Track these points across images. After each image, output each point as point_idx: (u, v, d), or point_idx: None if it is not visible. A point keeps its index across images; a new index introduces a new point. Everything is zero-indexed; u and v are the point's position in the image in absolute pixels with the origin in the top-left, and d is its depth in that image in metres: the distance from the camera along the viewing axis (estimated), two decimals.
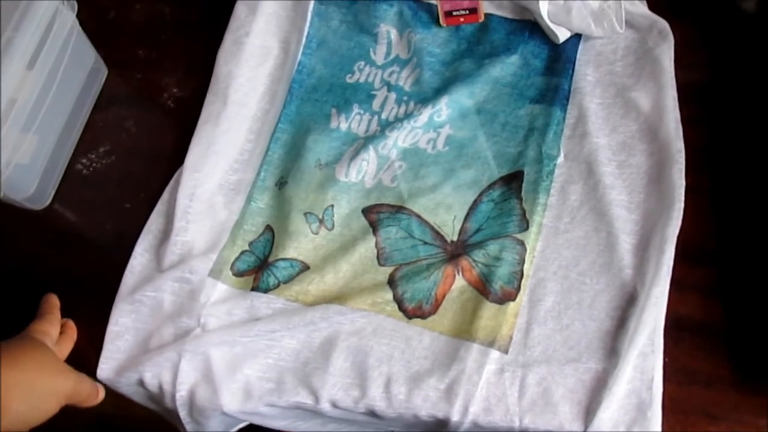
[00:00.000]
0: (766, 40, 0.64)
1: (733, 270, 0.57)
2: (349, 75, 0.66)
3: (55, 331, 0.55)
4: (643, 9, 0.64)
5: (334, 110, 0.64)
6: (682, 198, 0.57)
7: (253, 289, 0.58)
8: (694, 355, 0.55)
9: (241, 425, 0.60)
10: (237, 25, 0.66)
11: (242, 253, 0.60)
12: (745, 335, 0.55)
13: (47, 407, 0.48)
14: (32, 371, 0.48)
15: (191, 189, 0.60)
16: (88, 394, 0.52)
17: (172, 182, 0.62)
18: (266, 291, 0.57)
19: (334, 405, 0.54)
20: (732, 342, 0.55)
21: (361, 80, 0.66)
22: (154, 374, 0.55)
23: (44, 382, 0.48)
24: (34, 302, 0.60)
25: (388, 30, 0.67)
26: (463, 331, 0.55)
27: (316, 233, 0.60)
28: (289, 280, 0.58)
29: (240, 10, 0.67)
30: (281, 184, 0.62)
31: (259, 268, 0.59)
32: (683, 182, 0.57)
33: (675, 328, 0.55)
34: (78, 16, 0.62)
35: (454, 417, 0.53)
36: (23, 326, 0.54)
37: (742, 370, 0.54)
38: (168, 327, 0.56)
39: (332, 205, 0.60)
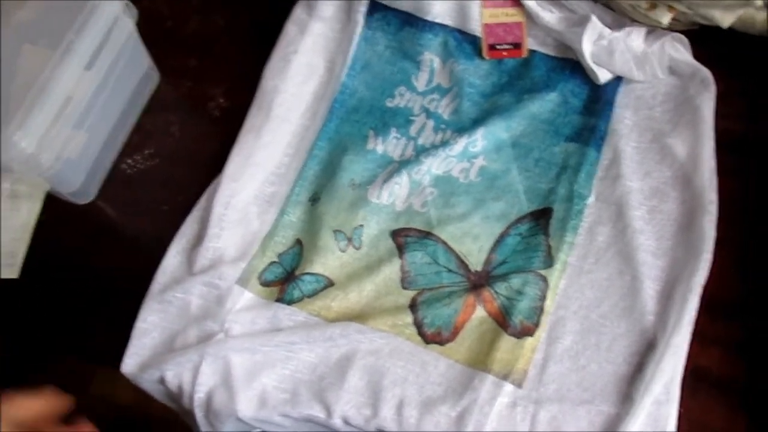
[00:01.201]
0: None
1: (758, 327, 0.56)
2: (390, 99, 0.67)
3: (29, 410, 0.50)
4: (687, 56, 0.63)
5: (371, 132, 0.65)
6: (711, 249, 0.56)
7: (277, 300, 0.59)
8: (710, 408, 0.54)
9: None
10: (286, 43, 0.68)
11: (271, 264, 0.61)
12: (764, 393, 0.54)
13: None
14: None
15: (227, 197, 0.62)
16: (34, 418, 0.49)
17: (210, 189, 0.63)
18: (290, 303, 0.58)
19: (346, 421, 0.54)
20: (750, 399, 0.54)
21: (401, 105, 0.66)
22: (176, 374, 0.56)
23: None
24: (66, 291, 0.62)
25: (431, 58, 0.68)
26: (479, 362, 0.55)
27: (344, 251, 0.60)
28: (313, 294, 0.59)
29: (290, 29, 0.68)
30: (314, 200, 0.63)
31: (285, 280, 0.60)
32: (713, 233, 0.56)
33: (693, 379, 0.54)
34: (137, 23, 0.64)
35: None
36: (53, 314, 0.56)
37: (758, 429, 0.53)
38: (193, 329, 0.57)
39: (362, 225, 0.61)
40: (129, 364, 0.57)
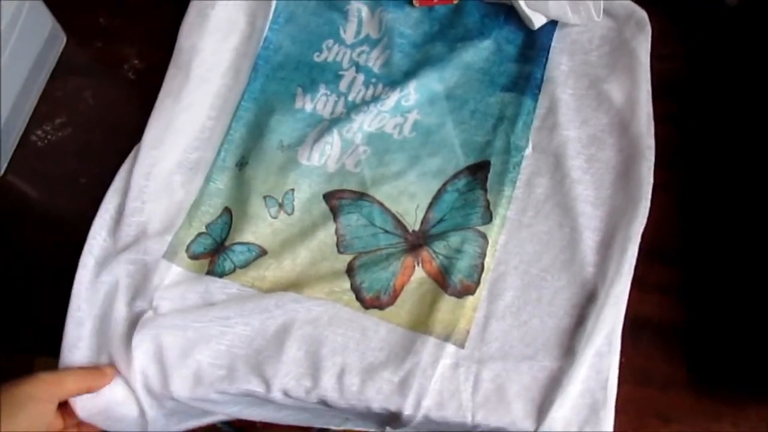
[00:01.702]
0: (747, 34, 0.61)
1: (697, 270, 0.56)
2: (317, 53, 0.63)
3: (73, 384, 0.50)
4: None
5: (299, 90, 0.61)
6: (649, 196, 0.55)
7: (208, 273, 0.55)
8: (652, 356, 0.54)
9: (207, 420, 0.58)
10: None
11: (198, 235, 0.57)
12: (705, 338, 0.54)
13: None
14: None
15: (148, 167, 0.57)
16: (80, 388, 0.50)
17: (129, 158, 0.59)
18: (221, 276, 0.55)
19: (286, 394, 0.52)
20: (691, 344, 0.54)
21: (329, 59, 0.62)
22: (112, 361, 0.52)
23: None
24: None
25: (359, 7, 0.63)
26: (420, 324, 0.53)
27: (275, 217, 0.57)
28: (245, 265, 0.56)
29: None
30: (242, 164, 0.59)
31: (215, 251, 0.56)
32: (651, 180, 0.55)
33: (634, 328, 0.54)
34: None
35: (407, 410, 0.51)
36: None
37: (699, 373, 0.53)
38: (121, 310, 0.53)
39: (293, 189, 0.58)
40: (67, 357, 0.53)
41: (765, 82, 0.59)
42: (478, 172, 0.58)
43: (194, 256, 0.56)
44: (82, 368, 0.52)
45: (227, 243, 0.56)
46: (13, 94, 0.61)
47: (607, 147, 0.58)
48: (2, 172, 0.61)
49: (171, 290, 0.54)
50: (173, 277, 0.55)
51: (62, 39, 0.65)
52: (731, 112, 0.60)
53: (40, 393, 0.47)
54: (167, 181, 0.58)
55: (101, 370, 0.52)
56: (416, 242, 0.56)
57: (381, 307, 0.54)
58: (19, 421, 0.45)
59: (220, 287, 0.55)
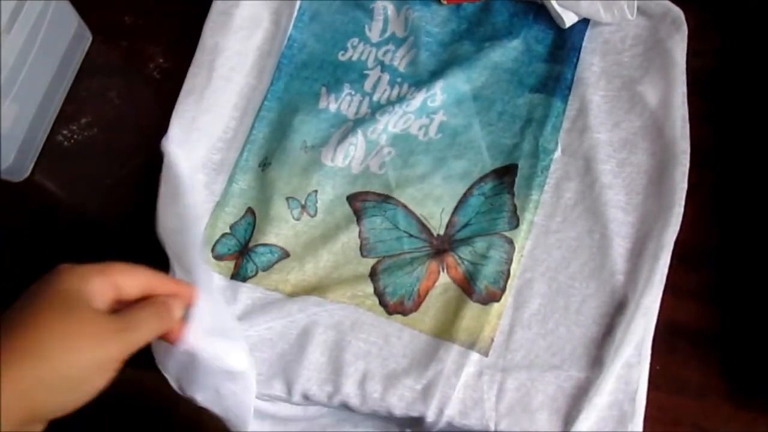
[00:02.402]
0: None
1: (733, 274, 0.53)
2: (342, 52, 0.61)
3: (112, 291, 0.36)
4: None
5: (323, 89, 0.60)
6: (682, 202, 0.52)
7: (232, 278, 0.55)
8: (688, 364, 0.52)
9: None
10: None
11: (223, 236, 0.56)
12: (742, 345, 0.52)
13: (90, 387, 0.34)
14: (51, 358, 0.32)
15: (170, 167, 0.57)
16: (151, 334, 0.37)
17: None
18: (245, 280, 0.54)
19: (307, 398, 0.51)
20: (727, 351, 0.52)
21: (354, 58, 0.61)
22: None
23: (72, 365, 0.33)
24: (9, 276, 0.57)
25: (384, 5, 0.62)
26: (444, 331, 0.52)
27: (298, 219, 0.56)
28: (268, 267, 0.55)
29: None
30: (264, 165, 0.58)
31: (240, 253, 0.55)
32: (685, 185, 0.53)
33: (669, 335, 0.52)
34: None
35: (429, 418, 0.50)
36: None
37: (736, 381, 0.51)
38: None
39: (316, 191, 0.56)
40: None
41: None
42: (505, 175, 0.56)
43: (219, 257, 0.56)
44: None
45: (251, 245, 0.55)
46: (40, 95, 0.60)
47: (639, 151, 0.55)
48: (29, 172, 0.61)
49: None
50: None
51: (88, 38, 0.64)
52: (765, 109, 0.57)
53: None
54: (191, 181, 0.57)
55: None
56: (441, 247, 0.55)
57: (404, 313, 0.53)
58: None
59: (244, 292, 0.54)
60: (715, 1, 0.60)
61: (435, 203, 0.56)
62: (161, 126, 0.58)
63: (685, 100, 0.55)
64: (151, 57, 0.64)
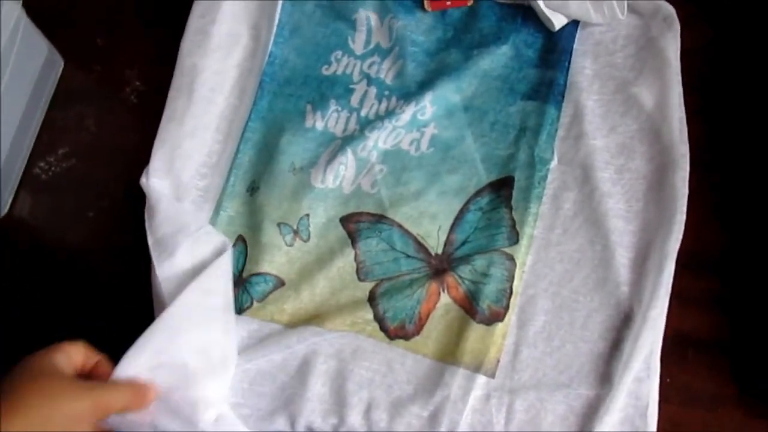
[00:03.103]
0: None
1: (740, 279, 0.52)
2: (326, 66, 0.59)
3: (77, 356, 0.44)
4: None
5: (309, 106, 0.58)
6: (684, 209, 0.51)
7: None
8: (698, 373, 0.51)
9: None
10: (200, 12, 0.58)
11: None
12: (752, 351, 0.51)
13: None
14: (40, 409, 0.39)
15: (155, 201, 0.54)
16: (124, 403, 0.43)
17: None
18: (241, 312, 0.52)
19: (312, 431, 0.50)
20: (738, 359, 0.51)
21: (339, 72, 0.58)
22: None
23: (54, 415, 0.39)
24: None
25: (367, 15, 0.59)
26: (448, 354, 0.50)
27: (291, 245, 0.54)
28: (263, 297, 0.53)
29: None
30: (253, 189, 0.56)
31: (234, 284, 0.53)
32: (686, 191, 0.51)
33: (677, 345, 0.51)
34: (24, 3, 0.54)
35: None
36: None
37: (748, 389, 0.50)
38: None
39: (308, 215, 0.54)
40: None
41: None
42: (501, 188, 0.54)
43: None
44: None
45: (245, 275, 0.53)
46: (13, 127, 0.57)
47: (637, 156, 0.54)
48: (6, 209, 0.58)
49: None
50: None
51: (60, 64, 0.61)
52: (760, 102, 0.55)
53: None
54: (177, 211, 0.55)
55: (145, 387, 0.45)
56: (440, 266, 0.53)
57: (406, 338, 0.51)
58: None
59: (240, 325, 0.52)
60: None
61: (431, 221, 0.54)
62: (142, 153, 0.56)
63: (682, 101, 0.54)
64: (127, 80, 0.61)
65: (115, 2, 0.63)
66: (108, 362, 0.45)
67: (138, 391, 0.44)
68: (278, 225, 0.54)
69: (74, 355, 0.43)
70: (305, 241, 0.54)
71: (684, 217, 0.51)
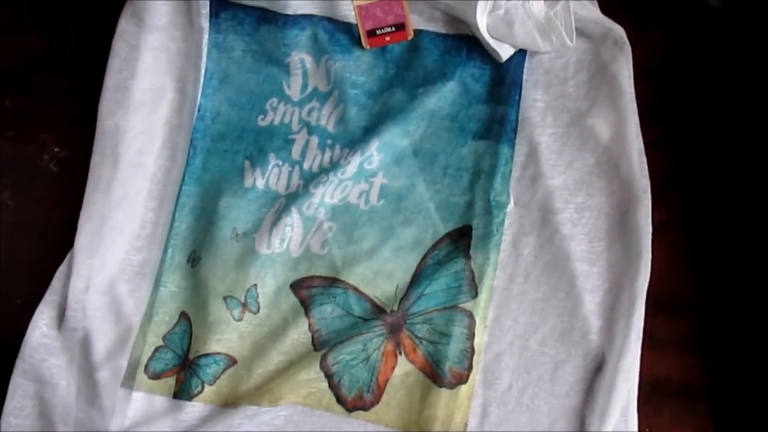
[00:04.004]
0: (733, 38, 0.55)
1: (710, 320, 0.52)
2: (261, 116, 0.55)
3: None
4: (596, 13, 0.54)
5: (247, 162, 0.54)
6: (650, 248, 0.50)
7: (175, 396, 0.50)
8: (677, 420, 0.51)
9: None
10: (118, 66, 0.54)
11: (156, 350, 0.51)
12: (731, 394, 0.50)
13: None
14: None
15: (86, 280, 0.51)
16: None
17: (62, 267, 0.52)
18: (190, 398, 0.50)
19: None
20: (716, 403, 0.50)
21: (276, 122, 0.55)
22: None
23: None
24: None
25: (301, 58, 0.56)
26: (412, 423, 0.49)
27: (240, 319, 0.51)
28: (214, 380, 0.50)
29: (119, 47, 0.54)
30: (194, 260, 0.53)
31: (180, 367, 0.51)
32: (650, 228, 0.50)
33: (653, 391, 0.50)
34: None
35: None
36: None
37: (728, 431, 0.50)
38: None
39: (255, 284, 0.52)
40: None
41: (755, 87, 0.53)
42: (459, 239, 0.52)
43: (155, 375, 0.51)
44: None
45: (191, 356, 0.51)
46: None
47: (596, 192, 0.52)
48: None
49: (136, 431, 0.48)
50: (136, 408, 0.50)
51: None
52: (725, 129, 0.54)
53: None
54: (111, 293, 0.52)
55: None
56: (396, 323, 0.51)
57: (365, 408, 0.50)
58: None
59: (190, 413, 0.49)
60: (656, 11, 0.56)
61: (387, 280, 0.52)
62: (69, 227, 0.53)
63: (639, 131, 0.52)
64: (43, 146, 0.57)
65: (23, 55, 0.58)
66: None
67: None
68: (224, 299, 0.51)
69: None
70: (255, 314, 0.52)
71: (650, 255, 0.50)
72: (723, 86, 0.54)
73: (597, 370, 0.49)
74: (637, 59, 0.54)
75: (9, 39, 0.59)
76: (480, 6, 0.52)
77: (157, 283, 0.52)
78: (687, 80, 0.56)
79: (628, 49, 0.54)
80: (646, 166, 0.52)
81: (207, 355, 0.51)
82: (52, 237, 0.54)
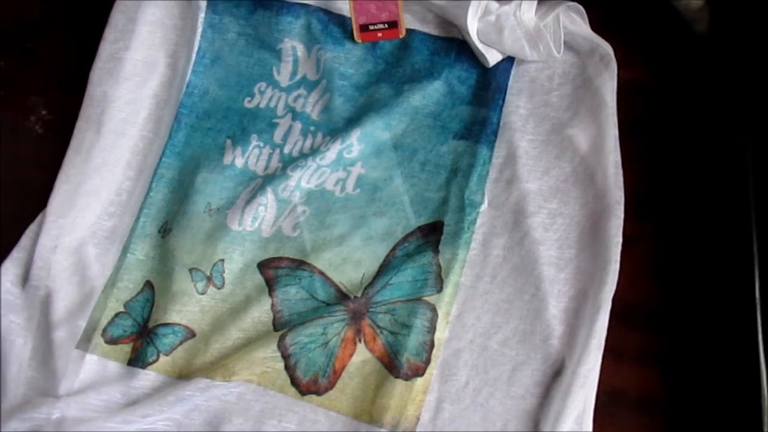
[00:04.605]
0: (719, 63, 0.56)
1: (675, 333, 0.52)
2: (248, 98, 0.57)
3: None
4: (585, 29, 0.56)
5: (228, 141, 0.56)
6: (618, 258, 0.51)
7: (129, 363, 0.50)
8: None
9: None
10: (114, 37, 0.56)
11: (116, 315, 0.52)
12: (686, 409, 0.50)
13: None
14: None
15: (54, 239, 0.52)
16: None
17: (33, 226, 0.53)
18: (144, 366, 0.50)
19: None
20: (671, 417, 0.50)
21: (262, 105, 0.57)
22: None
23: None
24: None
25: (293, 46, 0.58)
26: (364, 411, 0.49)
27: (203, 293, 0.52)
28: (170, 350, 0.51)
29: (117, 19, 0.57)
30: (164, 231, 0.54)
31: (138, 334, 0.51)
32: (620, 239, 0.51)
33: (610, 402, 0.50)
34: None
35: None
36: None
37: None
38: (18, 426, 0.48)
39: (222, 260, 0.53)
40: None
41: (739, 113, 0.54)
42: (430, 234, 0.53)
43: (112, 341, 0.51)
44: None
45: (150, 325, 0.51)
46: None
47: (571, 200, 0.53)
48: None
49: (85, 393, 0.48)
50: (88, 370, 0.50)
51: None
52: (704, 151, 0.55)
53: None
54: (79, 255, 0.52)
55: None
56: (358, 310, 0.52)
57: (319, 393, 0.50)
58: None
59: (143, 380, 0.49)
60: (644, 35, 0.58)
61: (354, 268, 0.53)
62: (48, 190, 0.54)
63: (617, 144, 0.54)
64: (32, 108, 0.58)
65: (21, 21, 0.60)
66: None
67: None
68: (190, 271, 0.52)
69: None
70: (219, 289, 0.52)
71: (618, 266, 0.51)
72: (704, 108, 0.56)
73: (555, 375, 0.50)
74: (623, 76, 0.56)
75: (11, 3, 0.61)
76: (472, 10, 0.54)
77: (125, 250, 0.53)
78: (670, 100, 0.57)
79: (614, 65, 0.55)
80: (621, 179, 0.53)
81: (166, 324, 0.51)
82: (32, 197, 0.55)
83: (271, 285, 0.52)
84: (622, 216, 0.52)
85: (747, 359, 0.48)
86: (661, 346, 0.52)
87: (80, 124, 0.55)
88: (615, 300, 0.50)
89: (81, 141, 0.55)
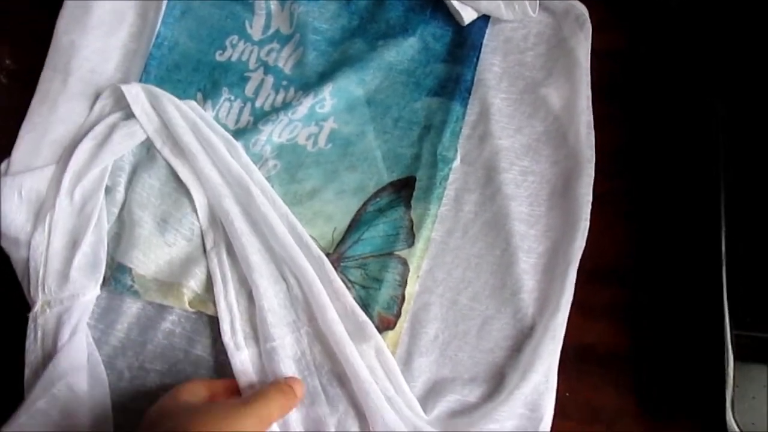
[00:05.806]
0: (691, 30, 0.58)
1: (644, 291, 0.54)
2: (220, 51, 0.58)
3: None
4: None
5: (199, 95, 0.57)
6: (588, 216, 0.53)
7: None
8: (599, 389, 0.52)
9: None
10: None
11: None
12: (654, 365, 0.52)
13: None
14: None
15: (18, 187, 0.52)
16: (280, 409, 0.46)
17: None
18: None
19: None
20: (640, 373, 0.52)
21: (234, 58, 0.58)
22: None
23: None
24: None
25: None
26: None
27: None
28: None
29: None
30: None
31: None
32: (590, 197, 0.53)
33: (579, 358, 0.52)
34: None
35: None
36: None
37: (649, 404, 0.52)
38: None
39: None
40: None
41: (711, 79, 0.56)
42: (402, 189, 0.54)
43: None
44: None
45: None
46: None
47: (542, 159, 0.55)
48: None
49: None
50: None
51: None
52: (676, 115, 0.57)
53: None
54: (39, 201, 0.52)
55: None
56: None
57: None
58: None
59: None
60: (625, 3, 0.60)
61: (326, 222, 0.54)
62: (10, 141, 0.54)
63: (590, 104, 0.56)
64: None
65: None
66: (230, 383, 0.48)
67: (288, 392, 0.46)
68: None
69: (198, 390, 0.46)
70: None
71: (587, 224, 0.53)
72: (676, 72, 0.58)
73: (524, 329, 0.51)
74: (599, 40, 0.58)
75: None
76: None
77: None
78: (643, 64, 0.59)
79: (588, 26, 0.57)
80: (593, 139, 0.55)
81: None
82: None
83: None
84: (592, 175, 0.54)
85: (713, 314, 0.50)
86: (629, 302, 0.54)
87: (46, 74, 0.56)
88: (585, 257, 0.52)
89: (47, 90, 0.55)
